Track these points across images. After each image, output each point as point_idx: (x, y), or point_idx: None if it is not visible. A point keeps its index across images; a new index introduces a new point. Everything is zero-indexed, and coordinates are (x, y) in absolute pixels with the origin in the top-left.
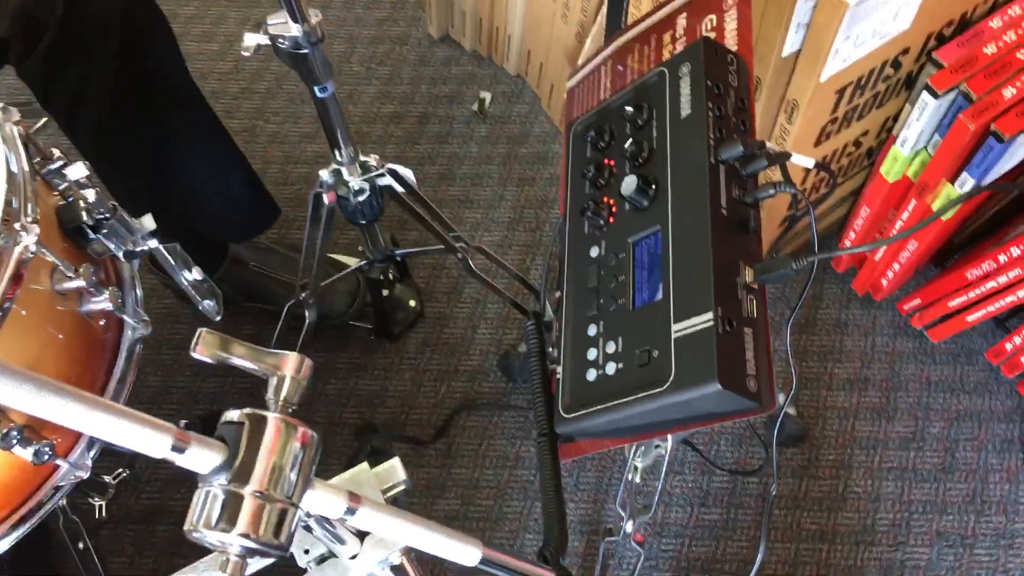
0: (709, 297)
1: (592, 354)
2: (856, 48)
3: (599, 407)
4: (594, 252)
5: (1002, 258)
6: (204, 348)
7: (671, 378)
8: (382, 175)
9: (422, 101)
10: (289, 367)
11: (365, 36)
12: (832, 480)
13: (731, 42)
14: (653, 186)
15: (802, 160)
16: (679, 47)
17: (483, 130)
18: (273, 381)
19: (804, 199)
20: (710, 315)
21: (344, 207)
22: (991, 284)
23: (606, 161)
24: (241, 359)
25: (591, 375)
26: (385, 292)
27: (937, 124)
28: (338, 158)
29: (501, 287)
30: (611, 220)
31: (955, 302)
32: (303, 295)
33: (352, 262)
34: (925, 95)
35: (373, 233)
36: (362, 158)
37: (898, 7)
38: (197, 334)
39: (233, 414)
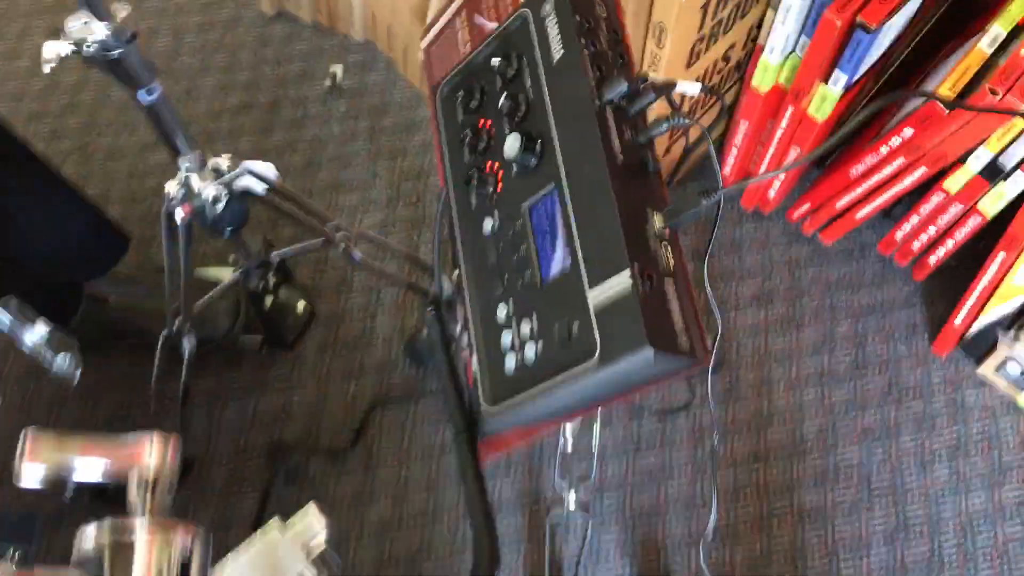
0: (622, 254)
1: (507, 339)
2: None
3: (524, 395)
4: (488, 226)
5: (883, 150)
6: (36, 455)
7: (598, 351)
8: (239, 176)
9: (269, 86)
10: (150, 453)
11: (192, 24)
12: (756, 399)
13: None
14: (538, 142)
15: (688, 87)
16: None
17: (341, 106)
18: (134, 476)
19: (704, 130)
20: (627, 274)
21: (203, 219)
22: (875, 178)
23: (481, 122)
24: (86, 466)
25: (510, 362)
26: (269, 300)
27: (802, 25)
28: (184, 166)
29: (393, 270)
30: (499, 187)
31: (842, 202)
32: (176, 323)
33: (226, 274)
34: None
35: (243, 240)
36: (213, 161)
37: None
38: (22, 439)
39: (88, 535)
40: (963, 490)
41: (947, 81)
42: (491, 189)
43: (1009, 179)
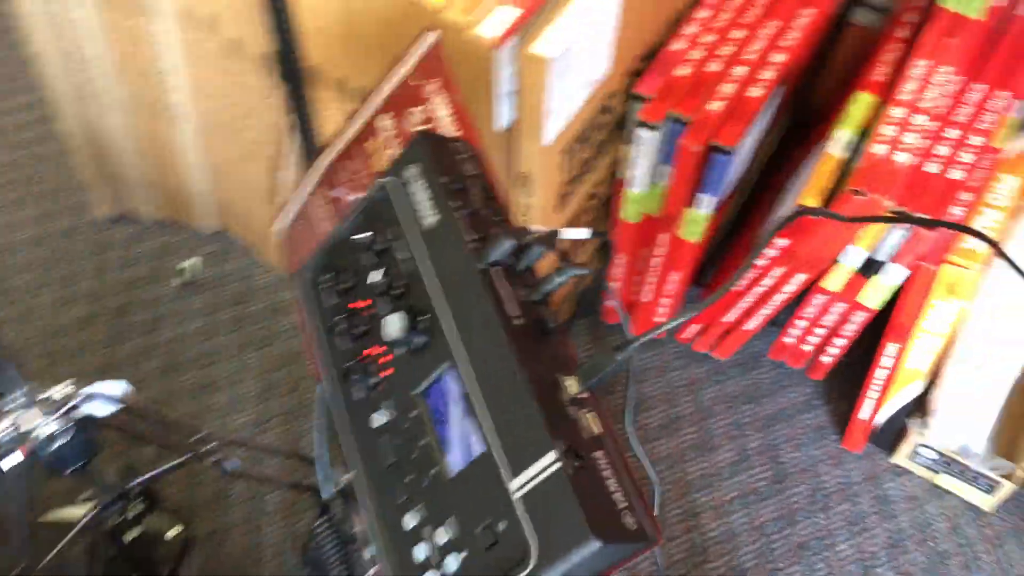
0: (541, 433)
1: (421, 553)
2: (568, 102)
3: None
4: (378, 420)
5: (760, 263)
6: None
7: (533, 553)
8: (79, 404)
9: (115, 291)
10: None
11: (23, 240)
12: (687, 533)
13: (449, 130)
14: (424, 317)
15: (574, 233)
16: (394, 151)
17: (197, 302)
18: None
19: (599, 276)
20: (551, 456)
21: (43, 460)
22: (757, 290)
23: (355, 304)
24: None
25: None
26: (134, 533)
27: (660, 155)
28: (10, 406)
29: (273, 472)
30: (385, 375)
31: (728, 317)
32: None
33: (79, 512)
34: (640, 131)
35: (95, 472)
36: (43, 395)
37: (595, 50)
38: None
39: None
40: None
41: (809, 190)
42: (375, 378)
43: (883, 271)
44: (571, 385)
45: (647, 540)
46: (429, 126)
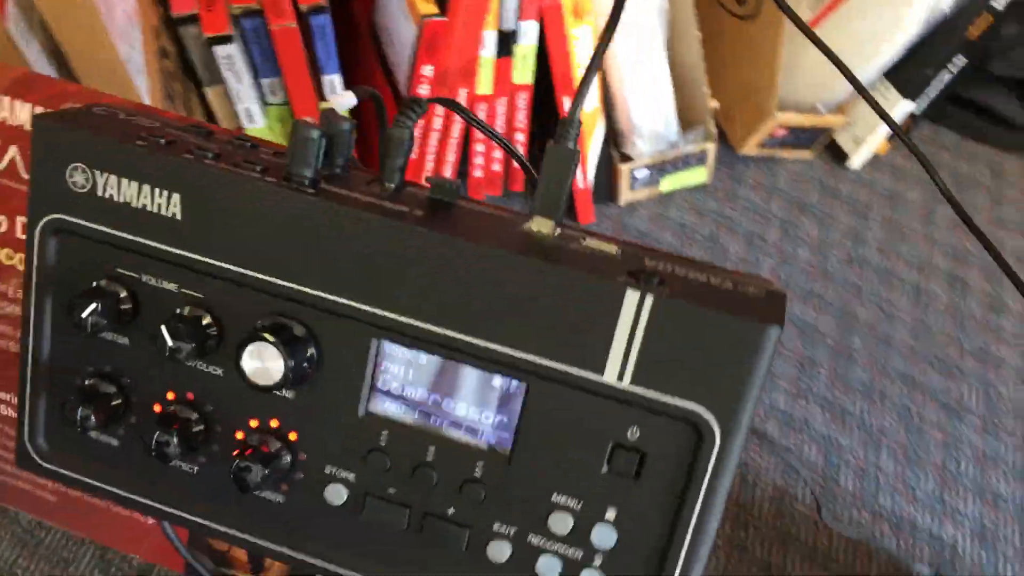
0: (586, 286)
1: (553, 564)
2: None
3: None
4: (333, 494)
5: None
6: None
7: (702, 409)
8: None
9: None
10: None
11: None
12: None
13: None
14: (286, 317)
15: (343, 99)
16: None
17: None
18: None
19: None
20: (631, 294)
21: None
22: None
23: (161, 403)
24: None
25: None
26: None
27: (254, 70)
28: None
29: None
30: (291, 435)
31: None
32: None
33: None
34: (217, 51)
35: None
36: None
37: None
38: None
39: None
40: None
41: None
42: (278, 454)
43: (519, 36)
44: (542, 225)
45: (784, 299)
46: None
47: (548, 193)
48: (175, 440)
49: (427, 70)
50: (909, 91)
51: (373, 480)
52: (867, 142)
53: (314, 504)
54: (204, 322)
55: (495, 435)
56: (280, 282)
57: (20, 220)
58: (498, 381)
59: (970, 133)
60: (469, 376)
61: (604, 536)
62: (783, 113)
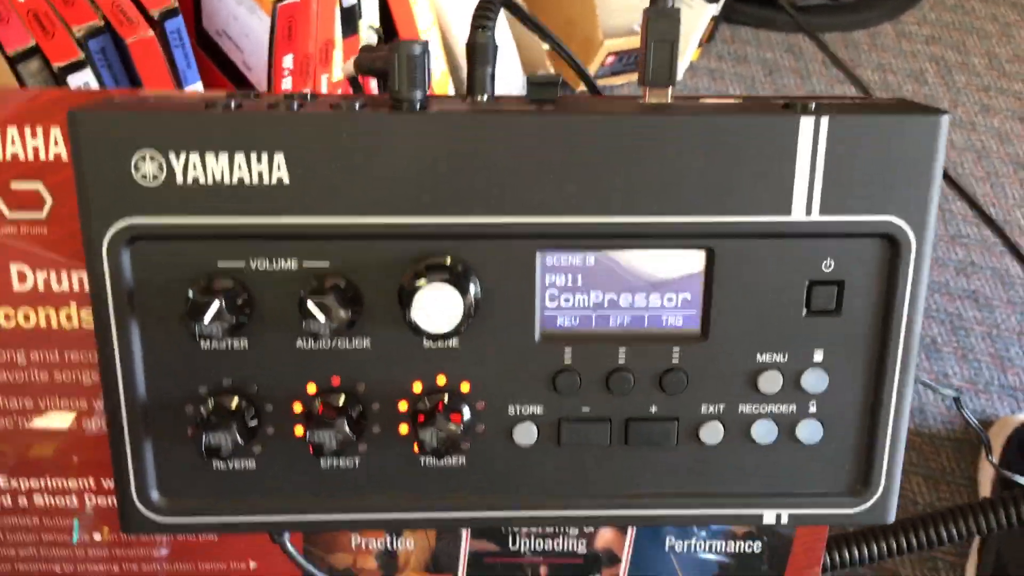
0: (757, 122)
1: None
2: None
3: None
4: (522, 435)
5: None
6: None
7: (897, 216)
8: None
9: None
10: None
11: None
12: None
13: None
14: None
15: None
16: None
17: None
18: None
19: None
20: (805, 120)
21: None
22: None
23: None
24: None
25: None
26: None
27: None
28: None
29: None
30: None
31: None
32: None
33: None
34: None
35: None
36: None
37: None
38: None
39: None
40: None
41: None
42: (448, 409)
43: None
44: (659, 96)
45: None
46: None
47: (658, 60)
48: (332, 435)
49: (287, 61)
50: None
51: (565, 404)
52: (684, 53)
53: (503, 453)
54: (344, 290)
55: (681, 315)
56: (422, 220)
57: (16, 269)
58: (673, 257)
59: (763, 24)
60: (640, 262)
61: (816, 381)
62: (610, 40)
